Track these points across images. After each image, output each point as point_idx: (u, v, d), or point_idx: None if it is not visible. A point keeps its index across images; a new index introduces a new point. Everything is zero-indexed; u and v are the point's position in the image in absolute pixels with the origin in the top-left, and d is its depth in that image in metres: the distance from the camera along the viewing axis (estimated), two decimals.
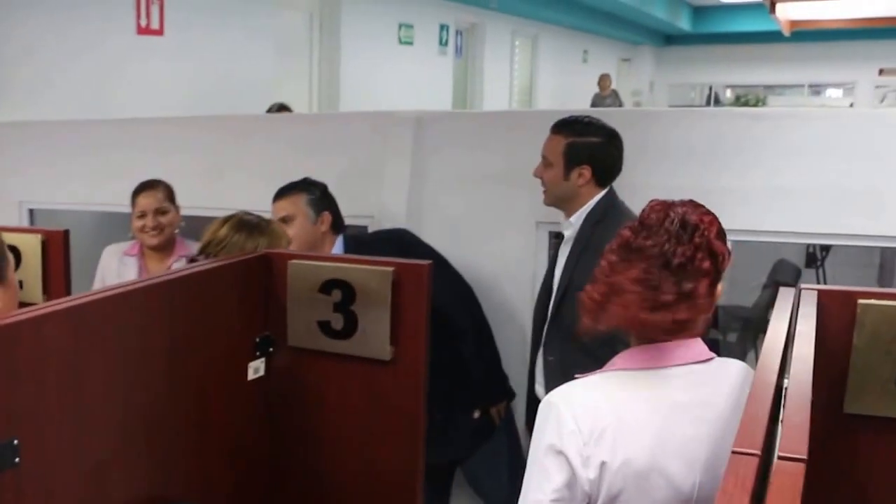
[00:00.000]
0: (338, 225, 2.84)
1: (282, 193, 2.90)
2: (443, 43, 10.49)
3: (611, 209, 2.53)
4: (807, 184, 2.83)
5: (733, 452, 0.95)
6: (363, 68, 8.68)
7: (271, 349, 2.22)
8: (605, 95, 13.49)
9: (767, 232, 2.85)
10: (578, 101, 14.93)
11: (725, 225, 2.81)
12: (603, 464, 1.48)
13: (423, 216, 3.18)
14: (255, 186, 3.53)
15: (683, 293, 1.49)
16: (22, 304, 2.80)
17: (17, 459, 1.58)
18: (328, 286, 2.14)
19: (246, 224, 2.55)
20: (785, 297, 1.72)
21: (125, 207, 3.46)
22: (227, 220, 2.57)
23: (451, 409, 2.81)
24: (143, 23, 6.27)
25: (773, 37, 17.76)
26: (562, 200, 2.61)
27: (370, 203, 3.31)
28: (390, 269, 2.08)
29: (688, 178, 2.94)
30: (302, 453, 2.23)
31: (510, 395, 2.97)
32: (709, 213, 1.59)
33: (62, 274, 2.83)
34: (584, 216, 2.57)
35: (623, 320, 1.52)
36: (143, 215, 3.28)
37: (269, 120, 4.43)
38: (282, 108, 5.57)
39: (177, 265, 3.27)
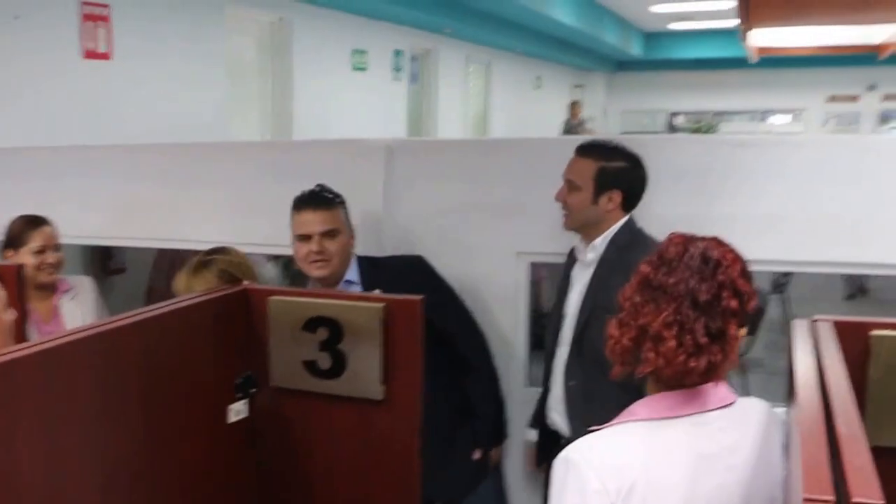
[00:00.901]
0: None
1: (322, 203, 2.72)
2: (397, 69, 10.48)
3: (637, 234, 2.55)
4: (792, 211, 2.84)
5: (806, 500, 0.91)
6: (316, 95, 8.62)
7: (253, 390, 2.14)
8: (577, 123, 13.68)
9: (754, 260, 2.84)
10: (534, 128, 15.08)
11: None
12: None
13: (398, 247, 3.12)
14: (217, 218, 3.46)
15: (714, 333, 1.44)
16: None
17: None
18: (313, 324, 2.08)
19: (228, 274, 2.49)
20: (800, 329, 1.69)
21: (72, 238, 3.36)
22: (201, 266, 2.53)
23: (453, 447, 2.75)
24: (90, 46, 6.13)
25: (724, 63, 18.19)
26: (587, 225, 2.59)
27: None
28: (380, 305, 2.02)
29: (671, 205, 2.93)
30: (290, 499, 2.15)
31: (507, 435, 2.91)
32: (732, 250, 1.56)
33: (17, 309, 2.71)
34: (608, 239, 2.56)
35: (660, 366, 1.44)
36: (42, 250, 3.08)
37: (234, 148, 4.35)
38: None
39: (66, 303, 3.16)
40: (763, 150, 2.90)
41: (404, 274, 2.77)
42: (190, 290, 2.52)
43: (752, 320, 5.40)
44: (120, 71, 6.32)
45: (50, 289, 3.13)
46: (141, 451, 1.85)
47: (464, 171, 3.20)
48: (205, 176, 3.51)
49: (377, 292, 2.61)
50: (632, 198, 2.57)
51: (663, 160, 2.98)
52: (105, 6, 6.24)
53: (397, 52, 10.48)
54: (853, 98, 18.51)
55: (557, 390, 2.63)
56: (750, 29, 4.01)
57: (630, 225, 2.58)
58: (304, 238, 2.67)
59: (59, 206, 3.33)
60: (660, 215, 2.90)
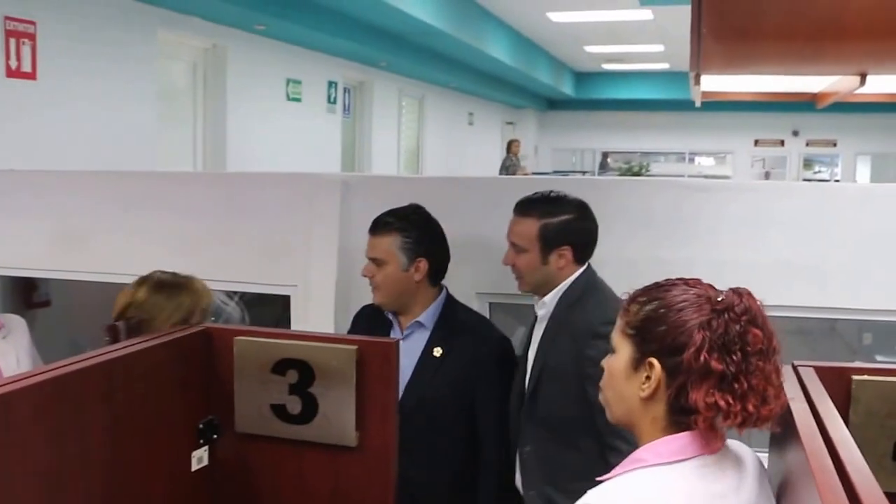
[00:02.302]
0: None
1: (375, 229, 2.60)
2: (331, 100, 10.45)
3: (589, 288, 2.42)
4: (747, 256, 2.90)
5: None
6: (250, 124, 8.53)
7: (215, 436, 2.06)
8: (516, 161, 13.84)
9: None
10: (468, 164, 15.18)
11: None
12: None
13: (354, 287, 3.07)
14: (163, 250, 3.36)
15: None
16: None
17: None
18: (281, 366, 2.02)
19: (165, 284, 2.40)
20: (787, 375, 1.71)
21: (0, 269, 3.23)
22: (143, 281, 2.42)
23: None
24: (14, 65, 5.95)
25: (653, 105, 18.70)
26: (540, 285, 2.46)
27: (294, 272, 3.18)
28: (353, 347, 1.98)
29: (626, 246, 2.96)
30: None
31: None
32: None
33: None
34: (559, 295, 2.43)
35: (765, 416, 1.43)
36: None
37: (182, 177, 4.25)
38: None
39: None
40: (724, 195, 2.97)
41: (481, 352, 2.57)
42: (163, 310, 2.36)
43: None
44: (45, 91, 6.14)
45: None
46: (101, 500, 1.77)
47: (426, 207, 3.18)
48: (149, 206, 3.42)
49: (438, 351, 2.56)
50: (583, 249, 2.44)
51: (622, 203, 3.02)
52: (31, 23, 6.07)
53: (331, 84, 10.46)
54: (780, 142, 19.21)
55: (517, 455, 2.52)
56: (700, 75, 4.12)
57: (586, 277, 2.44)
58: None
59: None
60: (618, 259, 2.94)
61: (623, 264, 2.91)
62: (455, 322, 2.60)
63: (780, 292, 2.85)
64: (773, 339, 1.47)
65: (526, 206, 2.46)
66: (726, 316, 1.45)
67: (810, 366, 1.79)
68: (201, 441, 2.05)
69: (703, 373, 1.43)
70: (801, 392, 1.62)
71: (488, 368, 2.57)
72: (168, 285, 2.39)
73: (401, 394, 2.39)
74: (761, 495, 1.51)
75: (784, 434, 1.53)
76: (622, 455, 1.99)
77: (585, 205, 2.48)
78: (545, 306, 2.45)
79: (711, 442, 1.47)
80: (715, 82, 4.83)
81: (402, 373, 2.41)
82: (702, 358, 1.43)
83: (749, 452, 1.58)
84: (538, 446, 2.42)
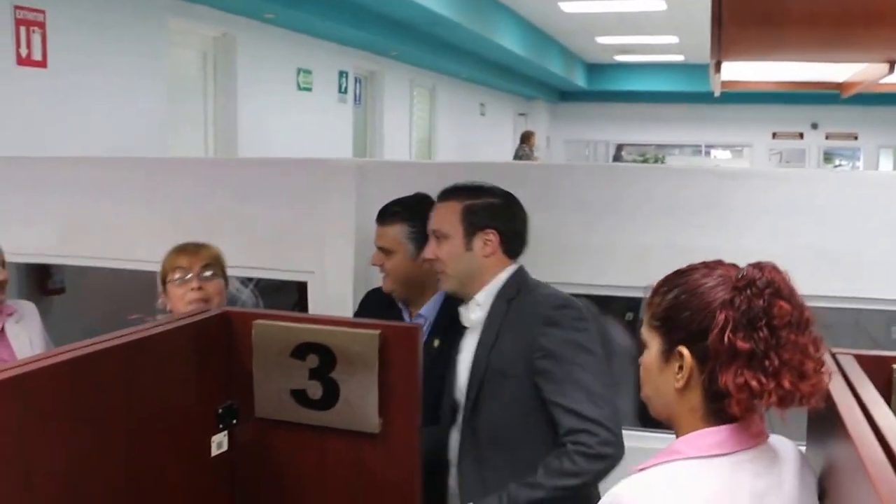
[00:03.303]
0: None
1: (382, 218, 2.59)
2: (342, 90, 10.42)
3: (527, 284, 2.27)
4: (777, 245, 2.86)
5: None
6: (261, 113, 8.51)
7: (234, 421, 2.04)
8: (531, 152, 13.78)
9: None
10: (480, 155, 15.14)
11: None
12: None
13: (372, 273, 3.05)
14: (179, 237, 3.34)
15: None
16: None
17: None
18: (302, 350, 2.00)
19: None
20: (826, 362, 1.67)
21: (11, 256, 3.20)
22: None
23: None
24: (24, 53, 5.94)
25: (667, 97, 18.60)
26: (466, 278, 2.28)
27: (311, 258, 3.16)
28: (376, 331, 1.95)
29: (654, 235, 2.94)
30: None
31: None
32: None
33: None
34: (494, 293, 2.25)
35: (806, 394, 1.38)
36: None
37: (197, 164, 4.24)
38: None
39: (11, 326, 3.01)
40: (752, 183, 2.93)
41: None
42: (175, 264, 2.63)
43: None
44: (56, 80, 6.13)
45: None
46: (120, 484, 1.75)
47: (437, 193, 3.16)
48: (164, 192, 3.41)
49: (436, 342, 2.48)
50: (511, 238, 2.29)
51: (648, 191, 3.00)
52: (41, 11, 6.05)
53: (342, 73, 10.43)
54: (798, 135, 19.06)
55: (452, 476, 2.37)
56: (721, 62, 4.06)
57: (521, 275, 2.29)
58: None
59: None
60: (642, 247, 2.92)
61: (647, 252, 2.89)
62: (453, 311, 2.46)
63: (808, 282, 2.82)
64: (804, 310, 1.42)
65: (448, 192, 2.36)
66: (748, 292, 1.41)
67: (850, 353, 1.75)
68: (221, 426, 2.03)
69: (730, 354, 1.38)
70: (842, 380, 1.58)
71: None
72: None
73: None
74: (804, 491, 1.47)
75: (825, 424, 1.50)
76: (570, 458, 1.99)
77: (512, 194, 2.37)
78: (479, 308, 2.28)
79: (752, 437, 1.44)
80: (735, 71, 4.78)
81: None
82: (726, 338, 1.39)
83: (791, 447, 1.53)
84: (479, 457, 2.27)
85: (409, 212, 2.56)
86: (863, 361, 1.73)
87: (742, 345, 1.38)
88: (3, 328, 2.97)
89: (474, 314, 2.29)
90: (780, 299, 1.40)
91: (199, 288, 2.54)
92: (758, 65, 4.55)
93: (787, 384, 1.36)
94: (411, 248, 2.52)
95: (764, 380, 1.37)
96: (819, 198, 2.87)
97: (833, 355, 1.74)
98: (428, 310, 2.57)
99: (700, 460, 1.41)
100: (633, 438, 2.95)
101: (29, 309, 3.13)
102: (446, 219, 2.30)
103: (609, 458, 2.08)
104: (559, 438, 2.11)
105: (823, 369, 1.41)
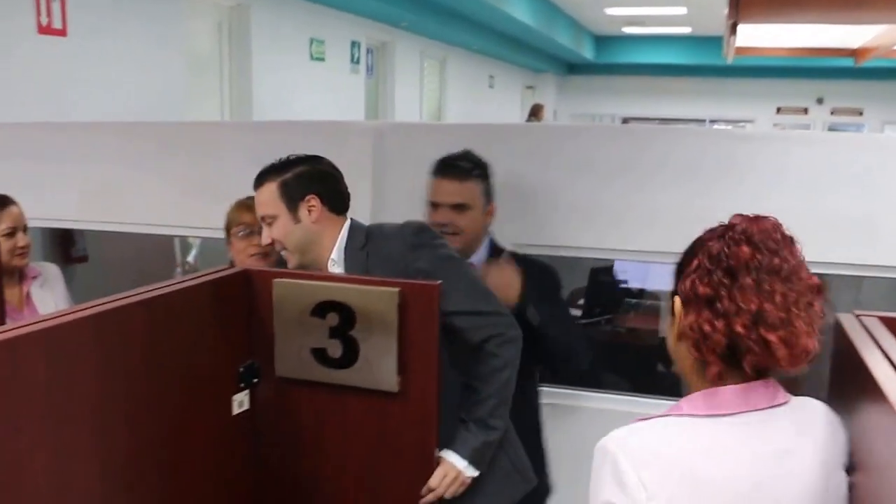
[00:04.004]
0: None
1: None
2: (354, 61, 10.32)
3: (373, 227, 2.29)
4: (797, 209, 2.79)
5: None
6: (275, 82, 8.43)
7: (256, 380, 2.01)
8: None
9: None
10: None
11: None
12: None
13: None
14: (198, 201, 3.30)
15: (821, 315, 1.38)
16: None
17: None
18: (322, 309, 1.96)
19: None
20: (851, 326, 1.63)
21: (33, 221, 3.16)
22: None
23: None
24: (45, 21, 5.87)
25: (674, 70, 18.43)
26: (306, 249, 2.24)
27: None
28: (395, 289, 1.91)
29: (673, 197, 2.88)
30: (294, 497, 2.02)
31: None
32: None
33: None
34: (343, 245, 2.24)
35: (781, 354, 1.33)
36: (12, 232, 2.86)
37: (213, 127, 4.19)
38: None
39: (36, 290, 2.98)
40: (766, 146, 2.86)
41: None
42: (239, 220, 2.73)
43: None
44: (75, 48, 6.07)
45: (17, 275, 2.93)
46: (142, 439, 1.72)
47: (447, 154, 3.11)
48: (184, 156, 3.36)
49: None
50: (332, 196, 2.26)
51: (667, 153, 2.93)
52: None
53: (354, 44, 10.32)
54: (803, 111, 18.85)
55: None
56: (737, 24, 3.97)
57: (359, 226, 2.29)
58: (434, 206, 2.54)
59: (20, 187, 3.14)
60: (663, 209, 2.87)
61: (667, 214, 2.84)
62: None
63: (829, 248, 2.76)
64: (774, 258, 1.34)
65: (259, 177, 2.30)
66: (724, 238, 1.37)
67: (875, 316, 1.70)
68: (242, 385, 2.00)
69: (693, 298, 1.35)
70: (871, 342, 1.52)
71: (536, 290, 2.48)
72: None
73: None
74: (829, 458, 1.39)
75: (851, 387, 1.45)
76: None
77: (319, 157, 2.35)
78: (336, 265, 2.25)
79: (763, 399, 1.37)
80: (749, 36, 4.69)
81: None
82: (688, 282, 1.36)
83: (821, 410, 1.46)
84: None
85: (483, 169, 2.59)
86: (889, 323, 1.67)
87: (702, 289, 1.34)
88: (28, 292, 2.94)
89: (335, 270, 2.26)
90: (747, 244, 1.35)
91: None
92: (772, 30, 4.46)
93: (739, 328, 1.31)
94: (484, 203, 2.56)
95: (715, 322, 1.32)
96: (838, 161, 2.80)
97: (858, 317, 1.69)
98: (478, 258, 2.56)
99: (696, 418, 1.36)
100: (630, 404, 2.95)
101: (53, 271, 3.11)
102: (267, 201, 2.26)
103: (519, 338, 2.14)
104: (471, 342, 2.11)
105: (800, 326, 1.33)
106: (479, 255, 2.58)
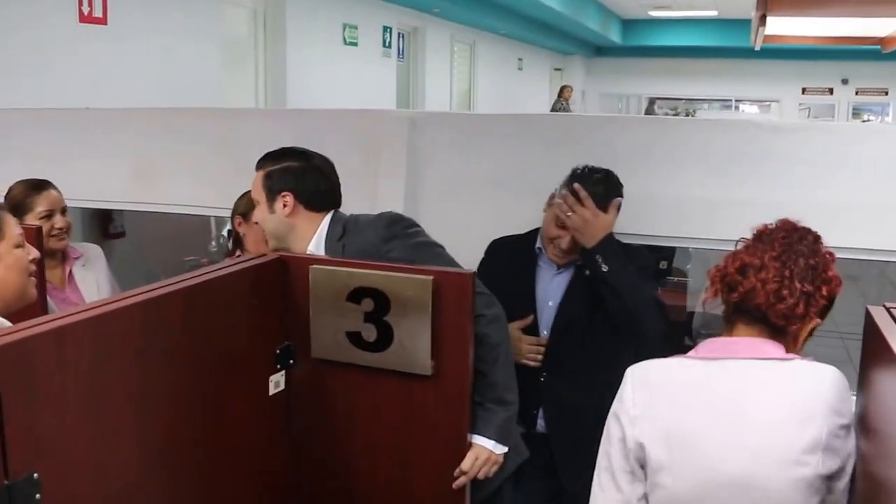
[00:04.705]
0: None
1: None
2: (386, 45, 10.30)
3: (351, 220, 2.29)
4: (825, 197, 2.76)
5: None
6: (309, 67, 8.44)
7: (291, 361, 2.02)
8: (567, 106, 13.63)
9: None
10: (517, 109, 14.97)
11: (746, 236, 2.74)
12: (646, 433, 1.60)
13: (421, 223, 3.00)
14: (229, 187, 3.31)
15: (809, 291, 1.60)
16: None
17: (37, 496, 1.37)
18: (357, 294, 1.96)
19: None
20: (881, 317, 1.60)
21: (75, 202, 3.19)
22: None
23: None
24: (86, 10, 5.91)
25: (699, 52, 18.20)
26: (279, 237, 2.30)
27: (361, 206, 3.10)
28: (429, 277, 1.91)
29: (704, 188, 2.85)
30: (327, 475, 2.04)
31: None
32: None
33: (36, 273, 2.56)
34: (323, 241, 2.26)
35: (755, 289, 1.60)
36: (49, 215, 2.87)
37: (251, 113, 4.20)
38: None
39: (78, 270, 3.00)
40: (796, 136, 2.82)
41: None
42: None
43: None
44: (115, 36, 6.10)
45: (59, 256, 2.96)
46: (182, 419, 1.74)
47: (489, 144, 3.09)
48: (221, 141, 3.37)
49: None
50: (310, 195, 2.27)
51: (693, 143, 2.90)
52: None
53: (386, 29, 10.30)
54: (828, 91, 18.58)
55: None
56: (766, 16, 3.90)
57: (339, 219, 2.30)
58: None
59: (64, 169, 3.18)
60: (686, 199, 2.84)
61: (690, 204, 2.81)
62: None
63: (838, 234, 2.72)
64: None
65: (258, 161, 2.35)
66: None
67: None
68: (278, 366, 2.01)
69: None
70: None
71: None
72: None
73: (553, 316, 2.53)
74: (799, 416, 1.52)
75: (885, 375, 1.43)
76: None
77: (312, 154, 2.35)
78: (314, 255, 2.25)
79: (755, 351, 1.59)
80: (777, 26, 4.61)
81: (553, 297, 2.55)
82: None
83: (827, 376, 1.57)
84: None
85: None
86: None
87: None
88: (70, 272, 2.97)
89: None
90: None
91: None
92: (800, 21, 4.38)
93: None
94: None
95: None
96: (855, 151, 2.75)
97: (888, 309, 1.67)
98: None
99: (693, 359, 1.64)
100: None
101: (95, 252, 3.13)
102: (255, 187, 2.33)
103: (501, 315, 2.14)
104: None
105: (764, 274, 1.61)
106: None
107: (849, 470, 1.54)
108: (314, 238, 2.27)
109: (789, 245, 1.63)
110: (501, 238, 2.73)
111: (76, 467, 1.48)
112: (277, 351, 2.00)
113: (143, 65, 6.32)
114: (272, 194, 2.28)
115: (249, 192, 2.49)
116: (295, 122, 3.45)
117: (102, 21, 6.03)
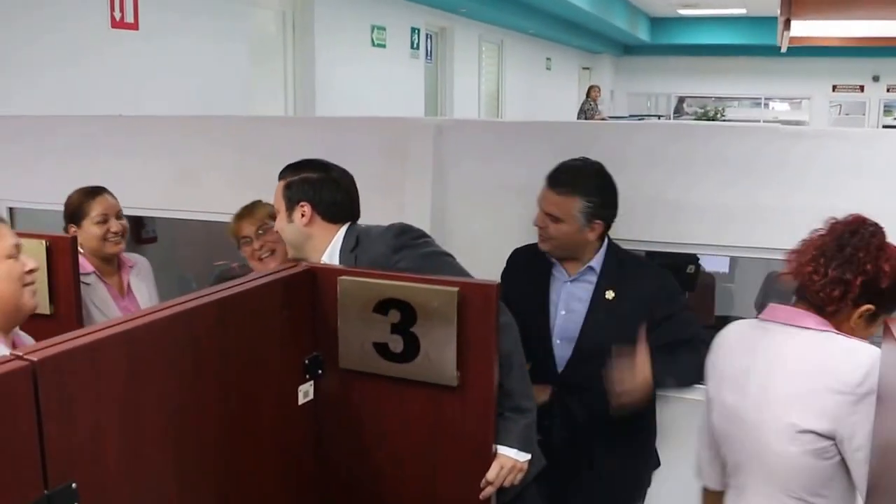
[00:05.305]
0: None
1: (557, 185, 2.51)
2: (414, 46, 10.33)
3: (363, 232, 2.32)
4: (843, 203, 2.74)
5: None
6: (338, 69, 8.49)
7: (320, 371, 2.05)
8: (595, 105, 13.59)
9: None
10: (546, 108, 14.95)
11: (772, 244, 2.73)
12: (708, 374, 2.02)
13: (447, 230, 3.03)
14: (260, 194, 3.35)
15: (842, 277, 1.76)
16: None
17: None
18: (384, 306, 1.99)
19: None
20: None
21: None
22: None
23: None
24: (118, 16, 6.00)
25: (728, 50, 18.06)
26: (297, 245, 2.36)
27: (388, 214, 3.13)
28: (455, 289, 1.93)
29: (725, 194, 2.85)
30: (355, 484, 2.07)
31: None
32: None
33: (71, 283, 2.63)
34: (337, 251, 2.29)
35: (794, 269, 1.84)
36: (104, 219, 2.92)
37: (280, 122, 4.25)
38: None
39: (133, 279, 3.05)
40: (816, 142, 2.81)
41: (650, 288, 2.53)
42: (239, 232, 2.95)
43: None
44: (147, 41, 6.19)
45: (115, 263, 3.02)
46: (215, 429, 1.77)
47: (515, 152, 3.10)
48: (252, 149, 3.42)
49: (610, 294, 2.53)
50: (327, 206, 2.32)
51: (713, 149, 2.89)
52: None
53: (414, 30, 10.33)
54: (859, 88, 18.36)
55: None
56: (790, 20, 3.89)
57: (354, 230, 2.33)
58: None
59: (98, 176, 3.23)
60: (716, 205, 2.84)
61: (720, 210, 2.81)
62: (622, 264, 2.58)
63: None
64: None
65: (281, 171, 2.40)
66: None
67: None
68: (307, 376, 2.04)
69: None
70: None
71: (657, 301, 2.53)
72: None
73: (577, 336, 2.52)
74: (816, 386, 1.73)
75: None
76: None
77: (331, 166, 2.39)
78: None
79: (796, 319, 1.82)
80: (803, 28, 4.58)
81: (574, 316, 2.54)
82: None
83: (854, 353, 1.73)
84: None
85: (588, 187, 2.50)
86: None
87: None
88: (128, 281, 3.02)
89: None
90: None
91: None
92: (826, 23, 4.35)
93: None
94: (583, 221, 2.50)
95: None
96: (873, 157, 2.74)
97: None
98: (597, 262, 2.58)
99: (756, 320, 1.94)
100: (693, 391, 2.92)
101: (144, 263, 3.18)
102: (276, 196, 2.39)
103: (511, 323, 2.12)
104: None
105: None
106: (597, 260, 2.57)
107: (853, 440, 1.71)
108: (328, 249, 2.32)
109: (838, 236, 1.80)
110: (522, 247, 2.74)
111: (112, 477, 1.51)
112: (306, 361, 2.03)
113: (173, 68, 6.39)
114: (291, 204, 2.34)
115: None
116: (324, 129, 3.49)
117: (134, 26, 6.11)
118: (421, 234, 2.28)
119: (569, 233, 2.50)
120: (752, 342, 1.89)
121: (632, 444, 2.63)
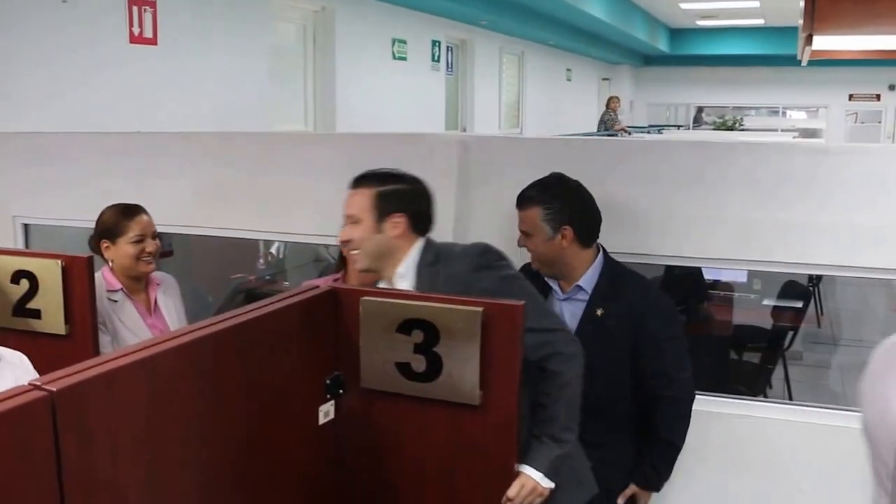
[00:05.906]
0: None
1: (520, 203, 2.58)
2: (435, 59, 10.32)
3: (444, 248, 2.30)
4: (870, 219, 2.70)
5: None
6: (358, 82, 8.47)
7: (341, 391, 2.01)
8: (615, 116, 13.56)
9: (851, 267, 2.72)
10: (567, 119, 14.90)
11: (805, 259, 2.68)
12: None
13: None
14: (290, 209, 3.32)
15: None
16: (43, 335, 2.58)
17: None
18: (407, 326, 1.95)
19: None
20: None
21: None
22: None
23: None
24: (136, 31, 5.99)
25: (746, 60, 17.96)
26: (377, 257, 2.29)
27: None
28: (479, 309, 1.89)
29: (755, 210, 2.80)
30: (376, 503, 2.03)
31: None
32: None
33: (87, 304, 2.59)
34: (414, 264, 2.27)
35: None
36: (140, 239, 2.88)
37: (304, 138, 4.22)
38: None
39: (160, 296, 3.02)
40: (840, 158, 2.76)
41: (640, 306, 2.51)
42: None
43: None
44: (166, 57, 6.17)
45: (144, 280, 2.98)
46: (237, 452, 1.74)
47: (539, 168, 3.05)
48: (275, 166, 3.39)
49: (599, 311, 2.53)
50: (419, 219, 2.30)
51: (745, 166, 2.85)
52: None
53: (434, 42, 10.32)
54: (875, 97, 18.24)
55: None
56: (812, 36, 3.84)
57: (432, 244, 2.31)
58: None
59: (120, 195, 3.21)
60: (740, 221, 2.79)
61: (744, 226, 2.76)
62: (616, 282, 2.57)
63: (889, 256, 2.66)
64: None
65: (360, 180, 2.34)
66: None
67: None
68: (328, 396, 2.00)
69: None
70: None
71: (647, 319, 2.51)
72: None
73: None
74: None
75: None
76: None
77: (419, 179, 2.36)
78: (403, 279, 2.27)
79: None
80: (824, 42, 4.52)
81: None
82: None
83: None
84: None
85: (545, 195, 2.55)
86: None
87: None
88: (156, 299, 2.99)
89: (401, 285, 2.29)
90: None
91: None
92: (846, 37, 4.30)
93: None
94: (549, 229, 2.52)
95: None
96: None
97: None
98: (586, 281, 2.58)
99: None
100: (709, 403, 2.87)
101: (171, 280, 3.15)
102: (359, 204, 2.30)
103: (579, 353, 2.16)
104: (532, 359, 2.08)
105: None
106: (586, 279, 2.58)
107: None
108: (405, 261, 2.28)
109: None
110: (527, 264, 2.70)
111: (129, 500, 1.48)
112: (327, 381, 2.00)
113: (193, 83, 6.38)
114: (383, 214, 2.27)
115: None
116: (346, 146, 3.46)
117: (153, 42, 6.10)
118: (501, 256, 2.26)
119: (540, 244, 2.54)
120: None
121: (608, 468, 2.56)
